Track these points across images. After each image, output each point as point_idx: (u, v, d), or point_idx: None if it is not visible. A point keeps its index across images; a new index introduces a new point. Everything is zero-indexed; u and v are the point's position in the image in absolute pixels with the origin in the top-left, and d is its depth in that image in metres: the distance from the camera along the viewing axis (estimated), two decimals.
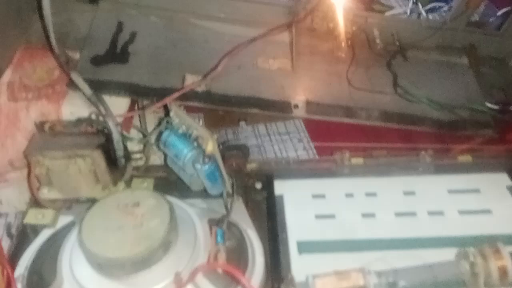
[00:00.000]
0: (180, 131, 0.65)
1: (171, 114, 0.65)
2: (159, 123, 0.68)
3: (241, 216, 0.68)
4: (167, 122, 0.66)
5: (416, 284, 0.53)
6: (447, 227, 0.66)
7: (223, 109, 0.92)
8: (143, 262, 0.53)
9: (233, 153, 0.73)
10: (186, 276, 0.53)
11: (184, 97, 0.79)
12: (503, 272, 0.50)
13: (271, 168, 0.78)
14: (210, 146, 0.59)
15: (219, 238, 0.59)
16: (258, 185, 0.74)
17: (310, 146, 0.92)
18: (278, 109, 0.83)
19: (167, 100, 0.64)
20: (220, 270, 0.57)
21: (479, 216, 0.68)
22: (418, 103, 0.84)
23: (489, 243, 0.52)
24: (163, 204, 0.58)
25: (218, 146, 0.64)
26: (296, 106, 0.84)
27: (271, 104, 0.83)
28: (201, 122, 0.63)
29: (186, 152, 0.64)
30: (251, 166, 0.78)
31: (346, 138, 0.88)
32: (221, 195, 0.69)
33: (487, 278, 0.50)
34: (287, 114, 0.83)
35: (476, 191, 0.72)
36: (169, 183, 0.75)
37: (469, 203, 0.70)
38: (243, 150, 0.75)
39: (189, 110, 0.67)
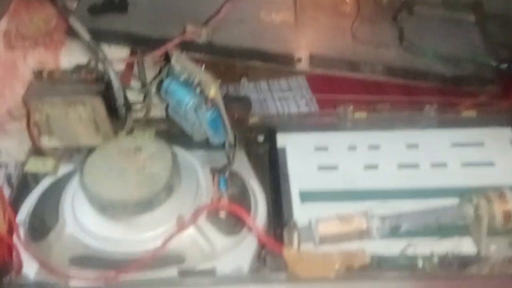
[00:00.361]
0: (182, 78, 0.63)
1: (172, 61, 0.63)
2: (160, 71, 0.67)
3: (243, 167, 0.68)
4: (168, 69, 0.64)
5: (419, 227, 0.53)
6: (449, 178, 0.66)
7: (224, 64, 0.91)
8: (145, 205, 0.53)
9: (235, 104, 0.72)
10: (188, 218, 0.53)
11: (185, 48, 0.77)
12: (507, 216, 0.50)
13: (273, 122, 0.77)
14: (213, 91, 0.58)
15: (221, 185, 0.59)
16: (260, 138, 0.74)
17: (313, 102, 0.91)
18: (280, 62, 0.82)
19: (167, 47, 0.63)
20: (223, 216, 0.57)
21: (482, 168, 0.68)
22: (424, 56, 0.82)
23: (494, 189, 0.52)
24: (165, 149, 0.58)
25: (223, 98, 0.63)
26: (299, 60, 0.82)
27: (273, 56, 0.82)
28: (203, 67, 0.61)
29: (188, 99, 0.62)
30: (253, 120, 0.77)
31: (350, 95, 0.87)
32: (223, 146, 0.68)
33: (490, 221, 0.50)
34: (290, 67, 0.82)
35: (480, 144, 0.72)
36: (171, 135, 0.74)
37: (472, 156, 0.70)
38: (244, 102, 0.74)
39: None
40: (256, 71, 0.96)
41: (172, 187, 0.55)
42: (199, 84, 0.60)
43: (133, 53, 0.78)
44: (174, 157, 0.57)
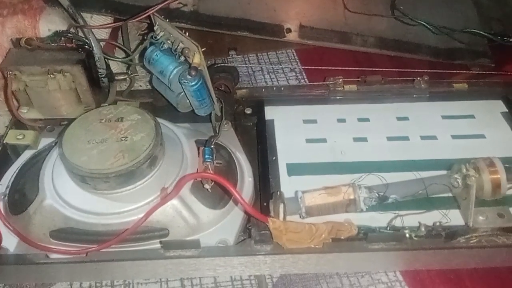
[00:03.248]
0: (166, 46, 0.61)
1: (155, 27, 0.61)
2: (143, 40, 0.64)
3: (230, 139, 0.67)
4: (152, 37, 0.62)
5: (407, 197, 0.52)
6: (439, 151, 0.65)
7: (212, 37, 0.88)
8: (128, 176, 0.52)
9: (222, 75, 0.70)
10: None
11: (171, 16, 0.74)
12: (496, 184, 0.49)
13: (261, 94, 0.76)
14: (197, 58, 0.56)
15: (206, 156, 0.57)
16: (248, 111, 0.72)
17: (302, 76, 0.89)
18: (269, 32, 0.79)
19: (150, 12, 0.60)
20: (208, 189, 0.56)
21: (472, 140, 0.67)
22: (416, 25, 0.80)
23: (483, 159, 0.51)
24: (148, 119, 0.56)
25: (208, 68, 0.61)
26: (288, 30, 0.80)
27: (262, 27, 0.79)
28: (187, 34, 0.59)
29: (172, 68, 0.61)
30: (241, 92, 0.75)
31: (340, 67, 0.85)
32: (209, 118, 0.67)
33: (479, 191, 0.50)
34: (279, 38, 0.80)
35: (471, 116, 0.71)
36: (156, 108, 0.72)
37: (462, 128, 0.69)
38: (232, 72, 0.71)
39: None
40: (244, 44, 0.93)
41: (155, 158, 0.54)
42: (182, 51, 0.58)
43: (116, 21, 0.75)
44: (157, 128, 0.55)
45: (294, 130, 0.69)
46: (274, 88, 0.77)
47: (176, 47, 0.59)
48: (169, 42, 0.61)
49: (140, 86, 0.79)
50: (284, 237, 0.49)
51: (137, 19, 0.63)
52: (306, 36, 0.80)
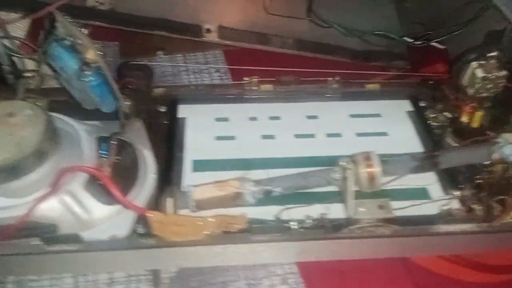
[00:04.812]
0: (68, 42, 0.61)
1: (57, 24, 0.61)
2: (47, 36, 0.64)
3: (138, 136, 0.66)
4: (54, 33, 0.62)
5: (290, 190, 0.54)
6: (342, 147, 0.67)
7: (140, 36, 0.89)
8: (14, 171, 0.51)
9: (134, 73, 0.70)
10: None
11: (88, 16, 0.75)
12: (371, 176, 0.51)
13: (178, 93, 0.76)
14: (91, 54, 0.56)
15: (102, 151, 0.57)
16: (163, 109, 0.73)
17: (227, 76, 0.90)
18: (189, 33, 0.81)
19: (52, 8, 0.60)
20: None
21: (375, 137, 0.69)
22: (330, 28, 0.82)
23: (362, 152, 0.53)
24: (39, 114, 0.55)
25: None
26: (208, 31, 0.81)
27: (181, 27, 0.80)
28: (87, 31, 0.59)
29: (72, 65, 0.60)
30: (158, 90, 0.76)
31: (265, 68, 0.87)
32: (116, 113, 0.67)
33: (357, 182, 0.51)
34: (198, 38, 0.81)
35: (377, 115, 0.73)
36: (69, 106, 0.72)
37: (368, 126, 0.71)
38: (144, 71, 0.72)
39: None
40: (172, 45, 0.94)
41: (45, 153, 0.53)
42: (76, 47, 0.58)
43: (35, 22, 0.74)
44: (49, 123, 0.54)
45: (205, 128, 0.70)
46: (192, 87, 0.78)
47: (75, 44, 0.59)
48: (70, 38, 0.61)
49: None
50: (167, 230, 0.50)
51: (38, 15, 0.63)
52: (225, 37, 0.82)
